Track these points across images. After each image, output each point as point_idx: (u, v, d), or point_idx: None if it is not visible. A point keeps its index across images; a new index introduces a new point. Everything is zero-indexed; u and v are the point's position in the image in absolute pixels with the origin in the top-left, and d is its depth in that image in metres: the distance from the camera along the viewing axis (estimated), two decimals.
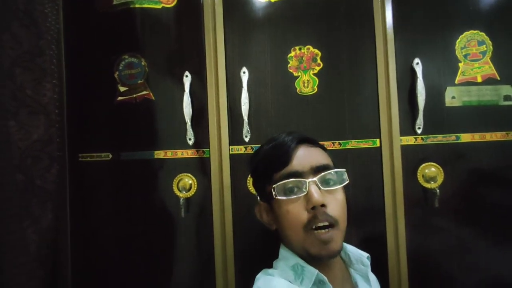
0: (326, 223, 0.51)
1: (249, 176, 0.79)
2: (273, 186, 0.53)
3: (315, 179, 0.52)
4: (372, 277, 0.61)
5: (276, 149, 0.56)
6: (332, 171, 0.54)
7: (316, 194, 0.51)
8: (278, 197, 0.53)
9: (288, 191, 0.53)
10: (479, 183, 0.76)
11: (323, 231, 0.51)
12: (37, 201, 0.73)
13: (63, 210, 0.82)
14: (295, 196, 0.52)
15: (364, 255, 0.60)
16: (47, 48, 0.82)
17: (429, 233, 0.76)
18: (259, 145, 0.79)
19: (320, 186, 0.52)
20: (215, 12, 0.82)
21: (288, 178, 0.53)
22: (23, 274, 0.67)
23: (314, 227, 0.51)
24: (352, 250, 0.60)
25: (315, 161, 0.54)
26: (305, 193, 0.52)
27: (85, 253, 0.82)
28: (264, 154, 0.58)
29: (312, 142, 0.58)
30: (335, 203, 0.53)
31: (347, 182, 0.55)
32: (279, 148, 0.56)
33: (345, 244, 0.59)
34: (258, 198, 0.64)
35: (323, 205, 0.51)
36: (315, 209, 0.51)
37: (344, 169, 0.55)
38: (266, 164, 0.57)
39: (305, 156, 0.55)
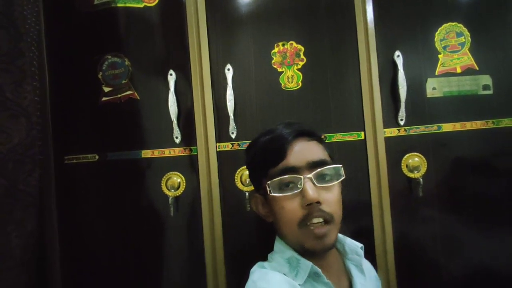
0: (321, 220, 0.51)
1: (237, 172, 0.79)
2: (268, 182, 0.53)
3: (310, 175, 0.51)
4: (367, 265, 0.61)
5: (273, 143, 0.55)
6: (328, 167, 0.53)
7: (311, 191, 0.50)
8: (273, 194, 0.53)
9: (284, 187, 0.52)
10: (461, 171, 0.78)
11: (318, 224, 0.51)
12: (20, 205, 0.71)
13: (50, 213, 0.81)
14: (290, 193, 0.52)
15: (358, 246, 0.60)
16: (27, 50, 0.80)
17: (415, 222, 0.78)
18: (246, 141, 0.80)
19: (316, 183, 0.51)
20: (197, 10, 0.81)
21: (283, 174, 0.52)
22: (7, 279, 0.65)
23: (308, 223, 0.51)
24: (347, 241, 0.60)
25: (311, 156, 0.53)
26: (300, 189, 0.51)
27: (74, 255, 0.81)
28: (261, 147, 0.57)
29: (310, 135, 0.57)
30: (331, 199, 0.52)
31: (343, 178, 0.54)
32: (275, 142, 0.54)
33: (341, 236, 0.60)
34: (255, 189, 0.62)
35: (318, 202, 0.50)
36: (310, 206, 0.50)
37: (340, 165, 0.54)
38: (262, 158, 0.56)
39: (301, 151, 0.53)
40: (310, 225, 0.51)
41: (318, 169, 0.52)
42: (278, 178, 0.52)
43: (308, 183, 0.51)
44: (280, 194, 0.52)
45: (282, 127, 0.56)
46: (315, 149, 0.55)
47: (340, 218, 0.54)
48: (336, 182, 0.54)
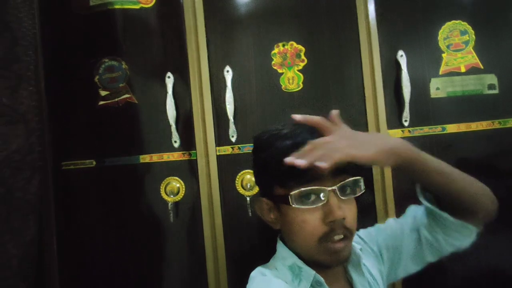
0: (342, 236, 0.49)
1: (238, 176, 0.78)
2: (291, 193, 0.48)
3: (335, 187, 0.48)
4: (365, 268, 0.58)
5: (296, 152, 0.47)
6: (350, 179, 0.50)
7: (337, 207, 0.48)
8: (296, 205, 0.48)
9: (305, 198, 0.49)
10: (466, 173, 0.76)
11: (337, 240, 0.49)
12: (18, 214, 0.70)
13: (48, 222, 0.80)
14: (313, 206, 0.48)
15: (357, 247, 0.58)
16: (23, 54, 0.79)
17: None
18: (246, 145, 0.79)
19: (339, 195, 0.48)
20: (195, 11, 0.80)
21: (307, 183, 0.48)
22: None
23: (330, 239, 0.49)
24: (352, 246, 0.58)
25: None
26: (323, 202, 0.48)
27: (73, 262, 0.80)
28: (280, 153, 0.49)
29: None
30: (351, 214, 0.50)
31: (363, 191, 0.51)
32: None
33: None
34: (261, 193, 0.58)
35: (343, 218, 0.48)
36: (334, 222, 0.48)
37: (361, 177, 0.51)
38: (282, 167, 0.49)
39: None
40: (330, 241, 0.49)
41: (341, 182, 0.49)
42: (301, 189, 0.48)
43: (332, 198, 0.48)
44: (304, 207, 0.48)
45: (304, 133, 0.49)
46: None
47: (355, 232, 0.52)
48: (355, 196, 0.51)
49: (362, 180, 0.51)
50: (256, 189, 0.75)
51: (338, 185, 0.49)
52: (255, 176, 0.59)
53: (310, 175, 0.47)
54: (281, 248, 0.55)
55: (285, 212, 0.52)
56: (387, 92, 0.77)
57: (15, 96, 0.76)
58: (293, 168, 0.48)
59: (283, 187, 0.51)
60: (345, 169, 0.49)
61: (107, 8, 0.83)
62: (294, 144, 0.49)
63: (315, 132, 0.50)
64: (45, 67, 0.83)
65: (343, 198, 0.49)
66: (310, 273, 0.50)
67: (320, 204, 0.48)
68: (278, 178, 0.52)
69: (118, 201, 0.80)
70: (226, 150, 0.79)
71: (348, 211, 0.49)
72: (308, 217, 0.49)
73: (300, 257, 0.52)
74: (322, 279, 0.50)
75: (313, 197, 0.49)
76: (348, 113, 0.78)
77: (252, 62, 0.80)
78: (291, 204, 0.49)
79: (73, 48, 0.83)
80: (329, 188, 0.48)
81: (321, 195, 0.48)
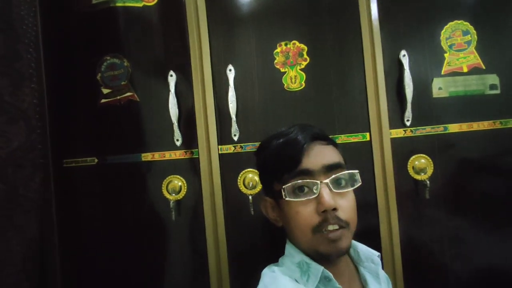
0: (337, 227, 0.50)
1: (240, 175, 0.78)
2: (283, 186, 0.52)
3: (327, 180, 0.50)
4: (383, 275, 0.60)
5: (287, 147, 0.53)
6: (344, 172, 0.52)
7: (327, 197, 0.49)
8: (288, 198, 0.51)
9: (298, 191, 0.51)
10: (468, 173, 0.77)
11: (332, 230, 0.50)
12: (21, 210, 0.70)
13: (50, 218, 0.80)
14: (305, 198, 0.51)
15: (375, 254, 0.60)
16: (24, 52, 0.79)
17: (422, 224, 0.77)
18: (248, 144, 0.79)
19: (332, 188, 0.51)
20: (198, 9, 0.80)
21: (299, 176, 0.51)
22: (8, 286, 0.64)
23: (323, 230, 0.50)
24: (362, 248, 0.59)
25: (326, 159, 0.52)
26: (316, 195, 0.50)
27: (74, 260, 0.80)
28: (274, 150, 0.55)
29: (325, 139, 0.55)
30: (346, 206, 0.51)
31: (359, 184, 0.53)
32: (290, 146, 0.53)
33: (355, 242, 0.59)
34: (264, 192, 0.61)
35: (334, 209, 0.50)
36: (326, 212, 0.50)
37: (357, 171, 0.53)
38: (276, 162, 0.54)
39: (317, 155, 0.52)
40: (325, 231, 0.50)
41: (334, 175, 0.51)
42: (294, 182, 0.51)
43: (324, 189, 0.50)
44: (296, 199, 0.51)
45: (297, 130, 0.54)
46: (330, 153, 0.54)
47: (355, 225, 0.53)
48: (352, 188, 0.53)
49: (358, 174, 0.53)
50: (258, 188, 0.76)
51: (330, 178, 0.51)
52: (259, 176, 0.62)
53: (303, 169, 0.51)
54: (289, 247, 0.57)
55: (282, 207, 0.55)
56: (389, 91, 0.77)
57: (17, 94, 0.76)
58: (286, 162, 0.52)
59: (279, 182, 0.53)
60: (336, 165, 0.52)
61: (109, 6, 0.82)
62: (287, 141, 0.54)
63: (307, 129, 0.55)
64: (47, 65, 0.83)
65: (337, 191, 0.51)
66: (318, 269, 0.51)
67: (313, 196, 0.51)
68: (274, 173, 0.54)
69: (120, 199, 0.80)
70: (228, 148, 0.79)
71: (343, 203, 0.51)
72: (301, 209, 0.51)
73: (306, 254, 0.53)
74: (330, 275, 0.51)
75: (306, 190, 0.51)
76: (350, 112, 0.78)
77: (254, 61, 0.79)
78: (284, 197, 0.52)
79: (75, 45, 0.83)
80: (321, 181, 0.51)
81: (314, 188, 0.51)
